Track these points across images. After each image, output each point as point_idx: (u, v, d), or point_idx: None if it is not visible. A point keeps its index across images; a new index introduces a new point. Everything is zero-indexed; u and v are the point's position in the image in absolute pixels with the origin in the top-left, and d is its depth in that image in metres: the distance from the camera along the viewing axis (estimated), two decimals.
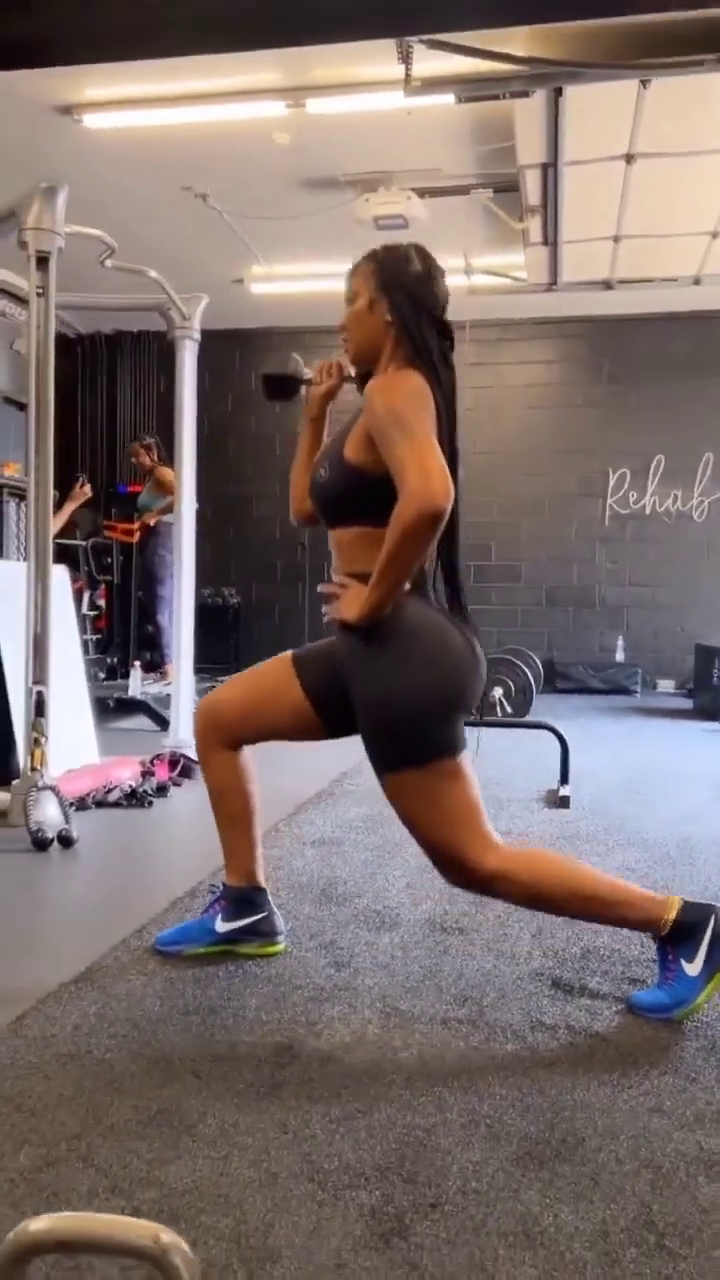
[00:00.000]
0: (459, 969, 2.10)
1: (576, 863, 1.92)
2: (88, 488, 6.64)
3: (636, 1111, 1.52)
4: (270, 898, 2.17)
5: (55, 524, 6.51)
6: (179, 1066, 1.63)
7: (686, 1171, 1.37)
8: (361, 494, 1.79)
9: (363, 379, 1.96)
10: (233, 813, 2.08)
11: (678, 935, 1.84)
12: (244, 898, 2.11)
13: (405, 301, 1.82)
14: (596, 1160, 1.39)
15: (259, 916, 2.12)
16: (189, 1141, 1.41)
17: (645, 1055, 1.71)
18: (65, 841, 3.06)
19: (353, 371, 2.02)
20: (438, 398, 1.77)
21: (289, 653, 2.04)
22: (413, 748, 1.76)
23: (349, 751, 2.22)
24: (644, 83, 4.39)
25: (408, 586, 1.76)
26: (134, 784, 3.84)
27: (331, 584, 1.87)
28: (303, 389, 2.11)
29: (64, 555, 7.85)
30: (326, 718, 1.94)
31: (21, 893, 2.66)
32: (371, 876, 2.76)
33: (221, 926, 2.11)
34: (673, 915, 1.83)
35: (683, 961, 1.84)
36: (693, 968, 1.83)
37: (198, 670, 7.80)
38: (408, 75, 4.39)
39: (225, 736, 2.03)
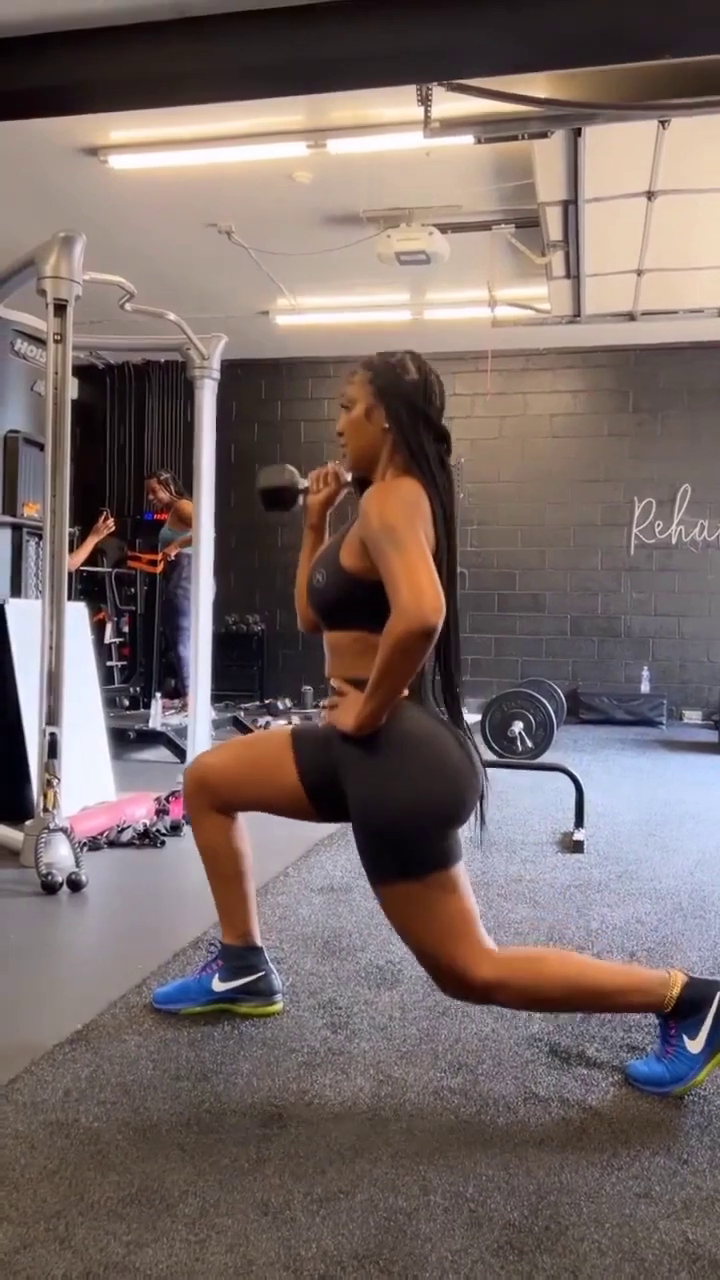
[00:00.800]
0: (456, 1032, 2.08)
1: (572, 957, 1.89)
2: (111, 521, 6.71)
3: (624, 1197, 1.50)
4: (268, 957, 2.16)
5: (79, 557, 6.60)
6: (165, 1138, 1.63)
7: (670, 1266, 1.35)
8: (357, 600, 1.79)
9: (360, 484, 1.97)
10: (225, 873, 2.08)
11: (681, 1012, 1.81)
12: (241, 958, 2.11)
13: (402, 409, 1.84)
14: (579, 1251, 1.37)
15: (256, 976, 2.12)
16: (168, 1222, 1.41)
17: (638, 1133, 1.69)
18: (74, 885, 3.08)
19: (349, 478, 2.04)
20: (434, 503, 1.78)
21: (288, 730, 2.04)
22: (406, 860, 1.74)
23: None
24: (663, 122, 4.41)
25: (405, 692, 1.75)
26: (148, 822, 3.86)
27: (329, 699, 1.87)
28: (300, 498, 2.12)
29: (90, 583, 7.96)
30: (319, 804, 1.94)
31: (28, 940, 2.68)
32: (377, 928, 2.74)
33: (218, 986, 2.11)
34: (676, 992, 1.80)
35: (685, 1038, 1.81)
36: (695, 1045, 1.80)
37: (221, 697, 7.87)
38: (427, 117, 4.42)
39: (214, 801, 2.04)
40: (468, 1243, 1.38)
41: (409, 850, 1.74)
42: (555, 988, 1.79)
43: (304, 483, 2.12)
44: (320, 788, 1.92)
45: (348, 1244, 1.37)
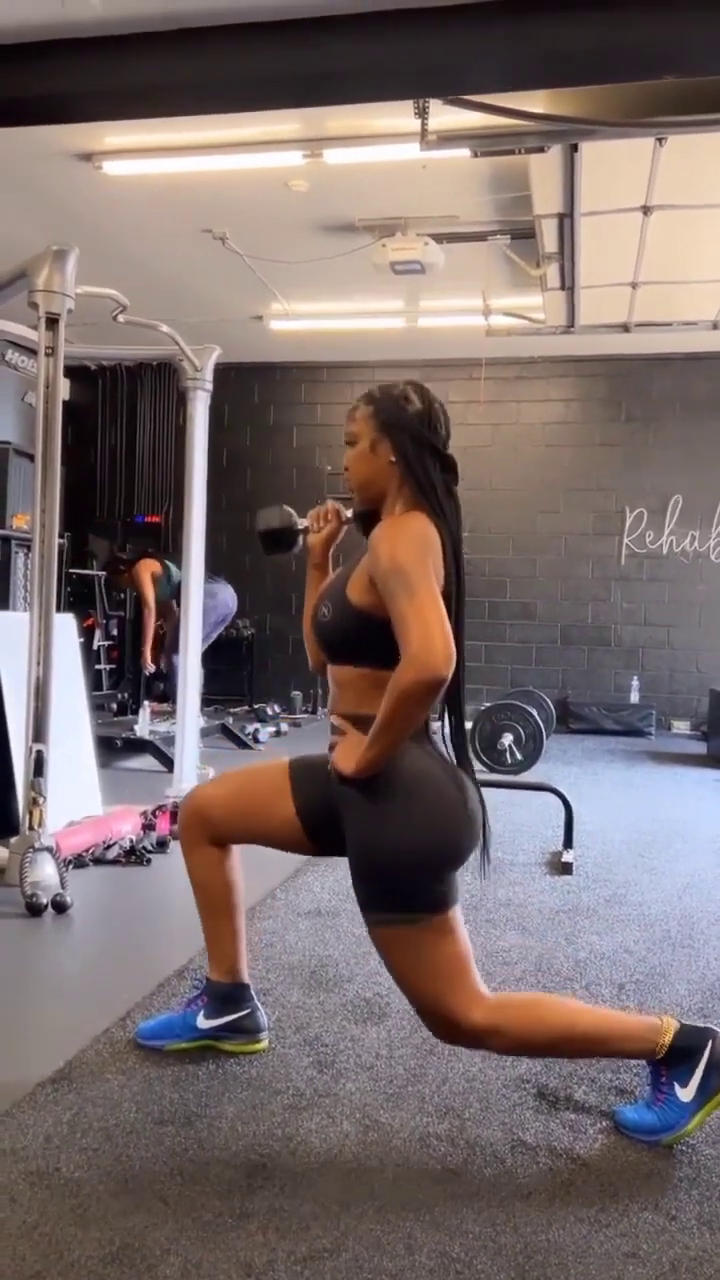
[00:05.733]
0: (444, 1072, 2.06)
1: (564, 1004, 1.87)
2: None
3: (612, 1256, 1.48)
4: (254, 993, 2.14)
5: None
6: (148, 1190, 1.60)
7: None
8: (363, 636, 1.76)
9: (361, 518, 1.94)
10: (216, 908, 2.06)
11: (673, 1059, 1.79)
12: (227, 995, 2.09)
13: (407, 441, 1.81)
14: None
15: (241, 1014, 2.09)
16: None
17: (626, 1186, 1.67)
18: (59, 907, 3.05)
19: (349, 514, 2.01)
20: (444, 536, 1.76)
21: (286, 762, 2.01)
22: (402, 902, 1.72)
23: None
24: (660, 139, 4.39)
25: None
26: (134, 839, 3.83)
27: (333, 738, 1.85)
28: (300, 539, 2.10)
29: (80, 586, 7.91)
30: (316, 839, 1.92)
31: (10, 966, 2.65)
32: (365, 957, 2.72)
33: (203, 1023, 2.09)
34: (668, 1040, 1.79)
35: (676, 1086, 1.80)
36: (686, 1093, 1.78)
37: (210, 701, 7.84)
38: (424, 130, 4.40)
39: (210, 834, 2.02)
40: None
41: (405, 893, 1.72)
42: (548, 1035, 1.78)
43: (303, 522, 2.09)
44: (318, 822, 1.90)
45: None
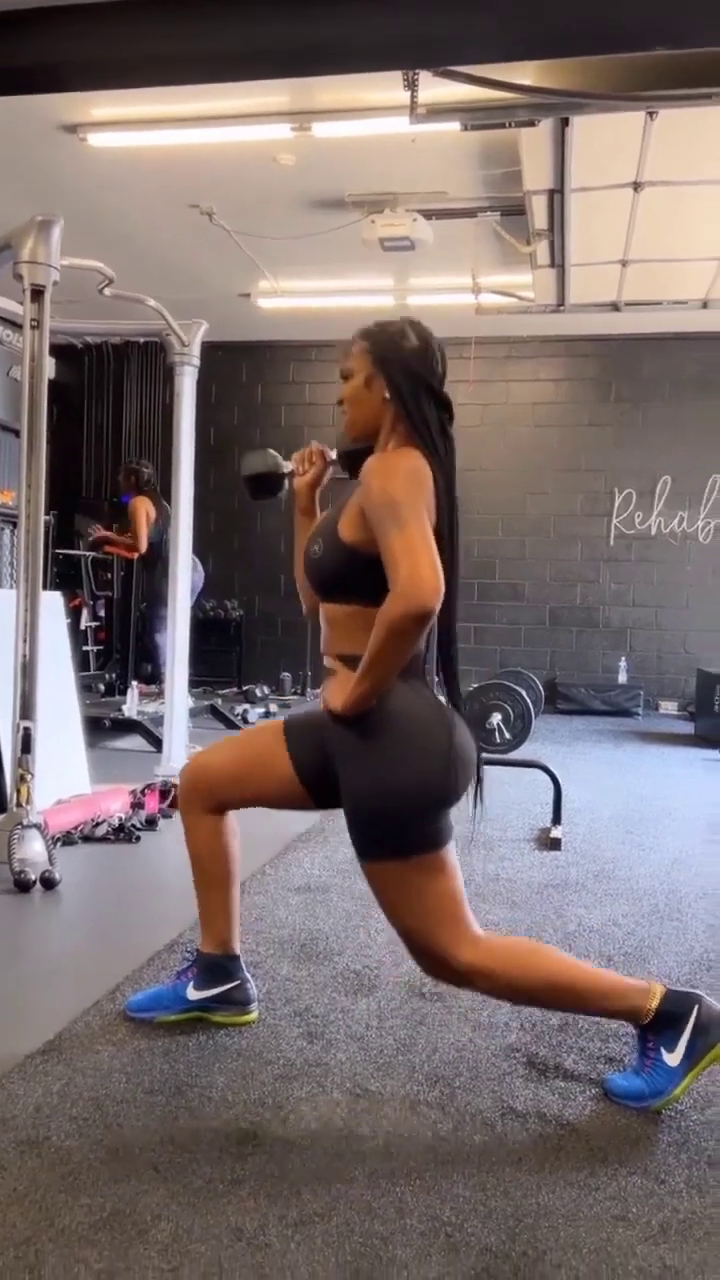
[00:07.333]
0: (434, 1042, 2.07)
1: (555, 954, 1.87)
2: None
3: (601, 1220, 1.49)
4: (244, 965, 2.14)
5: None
6: (138, 1157, 1.60)
7: None
8: (355, 572, 1.75)
9: (347, 458, 1.93)
10: (213, 880, 2.05)
11: (660, 1024, 1.80)
12: (217, 966, 2.09)
13: (402, 377, 1.80)
14: (555, 1279, 1.36)
15: (232, 985, 2.09)
16: (140, 1249, 1.38)
17: (615, 1150, 1.68)
18: (48, 883, 3.04)
19: (334, 455, 2.00)
20: (437, 474, 1.74)
21: (280, 720, 2.02)
22: (395, 840, 1.73)
23: None
24: (651, 114, 4.36)
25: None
26: (122, 817, 3.82)
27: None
28: (286, 483, 2.08)
29: (66, 566, 7.86)
30: (314, 791, 1.92)
31: (0, 941, 2.64)
32: (354, 930, 2.72)
33: (193, 994, 2.08)
34: (655, 1004, 1.79)
35: (663, 1050, 1.80)
36: (673, 1058, 1.79)
37: (199, 683, 7.82)
38: (413, 103, 4.36)
39: (210, 801, 2.01)
40: (444, 1269, 1.37)
41: (399, 831, 1.73)
42: (537, 982, 1.79)
43: (288, 466, 2.07)
44: (314, 773, 1.90)
45: (322, 1271, 1.35)
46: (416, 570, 1.59)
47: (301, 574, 1.97)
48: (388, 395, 1.81)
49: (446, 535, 1.73)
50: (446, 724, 1.75)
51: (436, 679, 1.84)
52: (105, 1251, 1.37)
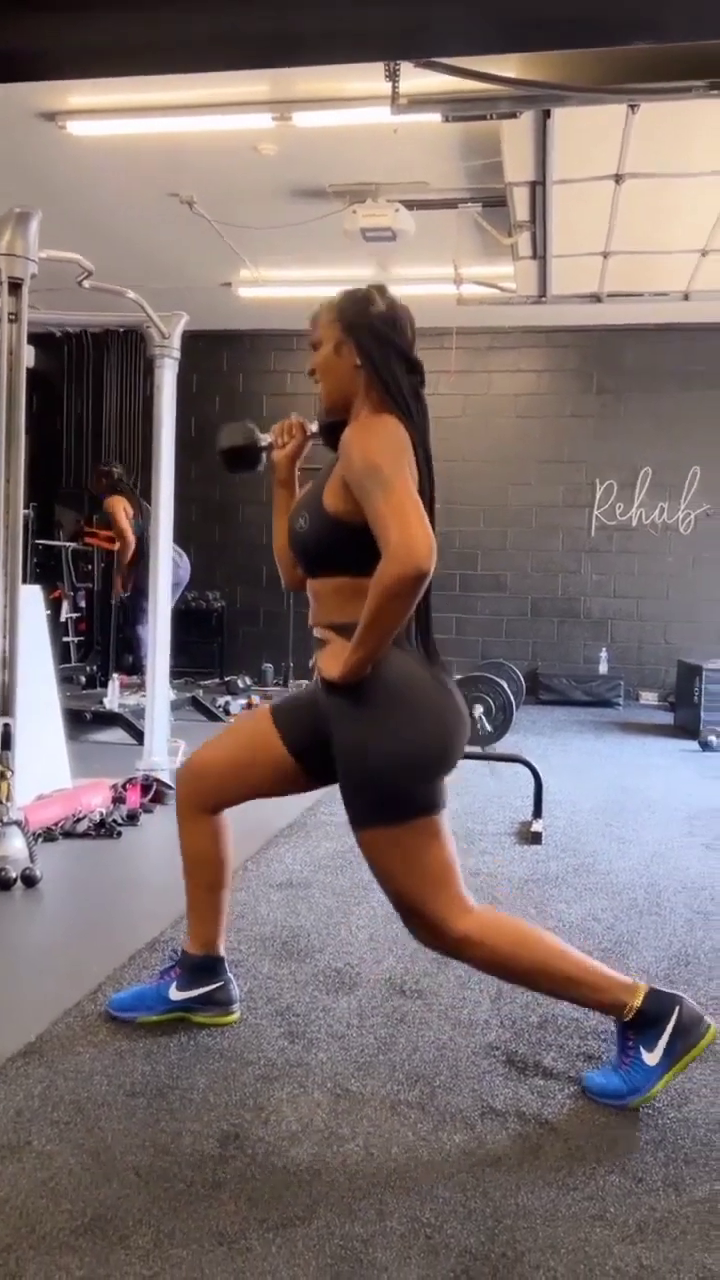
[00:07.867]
0: (414, 1041, 2.08)
1: (546, 936, 1.87)
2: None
3: (579, 1219, 1.51)
4: (227, 965, 2.14)
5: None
6: (120, 1161, 1.61)
7: None
8: (342, 543, 1.75)
9: (326, 431, 1.92)
10: (206, 882, 2.05)
11: (640, 1023, 1.82)
12: (201, 966, 2.09)
13: (372, 342, 1.80)
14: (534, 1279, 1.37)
15: (215, 986, 2.10)
16: (121, 1255, 1.39)
17: (593, 1149, 1.70)
18: (29, 881, 3.03)
19: (314, 428, 1.99)
20: (413, 437, 1.74)
21: (266, 707, 2.02)
22: (391, 806, 1.73)
23: None
24: (633, 107, 4.35)
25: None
26: (104, 812, 3.81)
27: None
28: (264, 456, 2.07)
29: (46, 558, 7.81)
30: (310, 769, 1.92)
31: None
32: (336, 927, 2.73)
33: (176, 995, 2.09)
34: (638, 1003, 1.81)
35: (642, 1049, 1.82)
36: (652, 1057, 1.81)
37: (180, 674, 7.80)
38: (395, 93, 4.33)
39: (207, 800, 2.00)
40: (424, 1272, 1.38)
41: (394, 796, 1.73)
42: (525, 960, 1.80)
43: (266, 439, 2.06)
44: (307, 750, 1.91)
45: (303, 1275, 1.36)
46: (408, 531, 1.58)
47: (283, 548, 1.97)
48: (358, 361, 1.80)
49: (426, 499, 1.71)
50: (439, 687, 1.75)
51: (413, 643, 1.83)
52: (86, 1258, 1.38)
